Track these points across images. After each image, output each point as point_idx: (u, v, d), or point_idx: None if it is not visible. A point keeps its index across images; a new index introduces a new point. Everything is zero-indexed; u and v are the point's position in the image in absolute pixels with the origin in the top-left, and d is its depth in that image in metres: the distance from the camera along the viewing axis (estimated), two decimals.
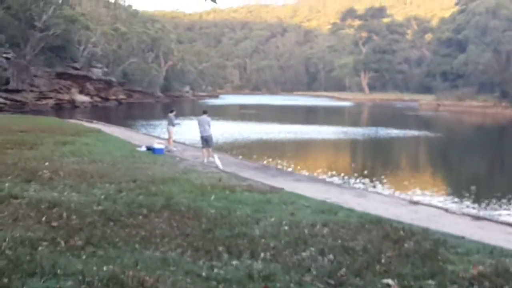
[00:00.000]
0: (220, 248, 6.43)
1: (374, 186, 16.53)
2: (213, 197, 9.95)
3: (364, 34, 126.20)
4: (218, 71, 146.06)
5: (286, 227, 7.67)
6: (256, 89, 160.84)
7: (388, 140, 37.37)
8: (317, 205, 9.88)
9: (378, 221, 8.33)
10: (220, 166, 16.20)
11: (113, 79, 73.64)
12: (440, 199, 15.38)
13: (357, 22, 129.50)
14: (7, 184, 9.99)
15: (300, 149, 31.70)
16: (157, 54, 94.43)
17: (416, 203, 11.64)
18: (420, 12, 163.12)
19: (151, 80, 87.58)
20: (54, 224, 7.22)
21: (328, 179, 16.36)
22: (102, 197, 9.43)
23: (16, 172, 11.51)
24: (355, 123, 57.21)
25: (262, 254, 6.20)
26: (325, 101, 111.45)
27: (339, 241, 6.96)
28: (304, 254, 6.28)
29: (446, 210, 10.84)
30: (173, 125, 20.72)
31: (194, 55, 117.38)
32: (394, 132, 41.36)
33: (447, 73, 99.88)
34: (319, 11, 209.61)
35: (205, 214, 8.32)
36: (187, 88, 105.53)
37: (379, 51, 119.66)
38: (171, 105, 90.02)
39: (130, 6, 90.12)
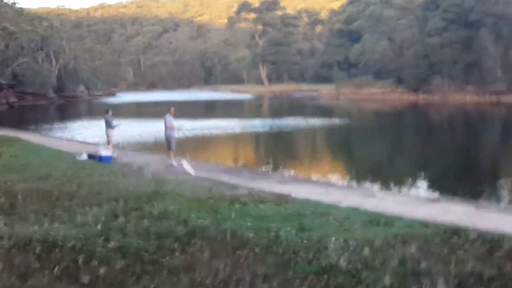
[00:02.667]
0: None
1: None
2: (232, 215, 8.26)
3: (260, 27, 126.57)
4: (112, 68, 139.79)
5: (367, 252, 6.22)
6: (152, 86, 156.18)
7: (306, 130, 37.13)
8: (355, 215, 8.55)
9: (454, 230, 7.14)
10: (192, 172, 14.17)
11: (3, 81, 67.37)
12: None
13: (252, 15, 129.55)
14: None
15: (217, 144, 30.41)
16: (48, 53, 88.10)
17: (436, 200, 10.65)
18: (308, 5, 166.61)
19: (43, 81, 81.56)
20: (84, 281, 5.23)
21: (314, 178, 15.00)
22: (99, 226, 7.43)
23: None
24: (263, 114, 57.01)
25: None
26: (225, 95, 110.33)
27: (453, 266, 5.63)
28: None
29: (477, 206, 9.94)
30: (112, 127, 18.36)
31: (86, 53, 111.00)
32: (303, 122, 41.15)
33: (342, 63, 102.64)
34: (210, 6, 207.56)
35: (251, 241, 6.67)
36: (81, 88, 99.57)
37: (275, 43, 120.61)
38: (65, 106, 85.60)
39: (14, 3, 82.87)
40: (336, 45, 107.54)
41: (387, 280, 5.25)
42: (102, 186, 11.17)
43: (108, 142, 18.21)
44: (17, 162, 14.71)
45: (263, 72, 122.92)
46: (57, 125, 44.83)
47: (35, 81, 78.91)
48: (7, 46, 70.72)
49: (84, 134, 35.74)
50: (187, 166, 14.53)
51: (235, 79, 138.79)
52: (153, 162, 16.33)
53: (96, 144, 20.66)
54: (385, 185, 14.70)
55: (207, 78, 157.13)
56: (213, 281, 5.25)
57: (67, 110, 73.42)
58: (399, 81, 78.13)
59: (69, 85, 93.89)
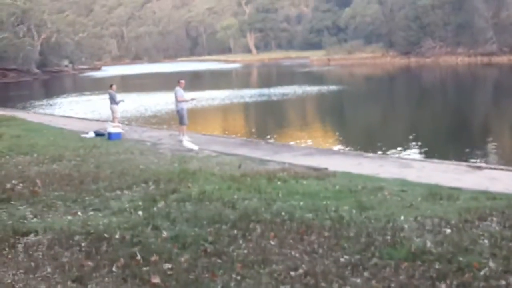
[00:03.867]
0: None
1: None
2: (279, 193, 7.62)
3: None
4: (96, 41, 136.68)
5: (449, 232, 5.64)
6: (137, 58, 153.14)
7: (305, 98, 36.44)
8: (409, 189, 7.95)
9: None
10: (195, 148, 13.49)
11: None
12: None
13: None
14: None
15: (218, 115, 29.70)
16: (29, 27, 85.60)
17: (478, 168, 10.10)
18: None
19: (26, 56, 79.53)
20: (155, 280, 4.58)
21: (338, 149, 14.32)
22: (140, 213, 6.78)
23: None
24: (255, 83, 55.94)
25: None
26: (212, 65, 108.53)
27: None
28: None
29: None
30: (117, 102, 17.51)
31: (69, 26, 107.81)
32: (298, 89, 40.38)
33: (331, 28, 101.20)
34: None
35: (313, 224, 6.05)
36: (66, 62, 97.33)
37: (262, 10, 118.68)
38: (50, 81, 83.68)
39: None
40: (324, 10, 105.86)
41: (491, 264, 4.68)
42: (123, 166, 10.44)
43: (113, 118, 17.39)
44: (22, 143, 13.87)
45: (251, 41, 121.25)
46: (46, 101, 43.67)
47: (18, 57, 76.89)
48: None
49: (76, 110, 34.80)
50: (187, 142, 13.82)
51: (222, 49, 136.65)
52: (164, 138, 15.57)
53: (97, 121, 19.84)
54: (412, 153, 14.13)
55: (193, 49, 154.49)
56: (297, 275, 4.64)
57: (53, 86, 71.78)
58: (390, 44, 77.34)
59: (53, 59, 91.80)
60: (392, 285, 4.40)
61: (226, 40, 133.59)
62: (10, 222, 6.53)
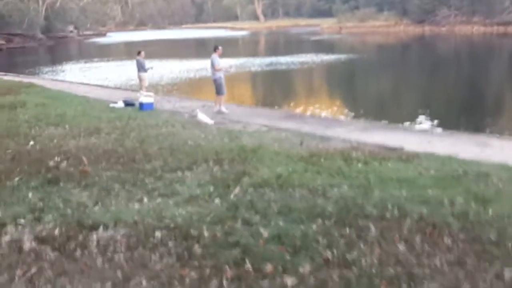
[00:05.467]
0: None
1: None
2: (370, 179, 6.60)
3: None
4: (101, 7, 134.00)
5: None
6: (141, 24, 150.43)
7: (326, 67, 35.10)
8: None
9: None
10: (210, 122, 12.26)
11: None
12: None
13: None
14: (32, 195, 5.98)
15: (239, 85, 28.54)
16: None
17: None
18: None
19: (31, 21, 77.56)
20: None
21: (394, 123, 13.13)
22: (218, 201, 5.79)
23: (18, 168, 7.30)
24: (270, 52, 54.34)
25: None
26: (219, 32, 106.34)
27: None
28: None
29: None
30: (145, 70, 16.37)
31: None
32: (316, 58, 38.97)
33: None
34: None
35: (442, 224, 5.05)
36: (71, 28, 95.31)
37: None
38: (56, 47, 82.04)
39: None
40: None
41: None
42: (169, 140, 9.43)
43: (141, 87, 16.29)
44: (49, 112, 12.84)
45: (259, 8, 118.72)
46: (54, 67, 42.39)
47: (23, 22, 75.07)
48: None
49: (88, 76, 33.64)
50: (201, 115, 12.57)
51: (228, 16, 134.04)
52: (198, 109, 14.44)
53: (119, 89, 18.73)
54: (474, 128, 13.04)
55: (199, 16, 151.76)
56: None
57: (59, 52, 70.31)
58: (404, 12, 75.38)
59: (58, 25, 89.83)
60: None
61: (233, 7, 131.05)
62: (70, 211, 5.55)
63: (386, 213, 5.33)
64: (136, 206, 5.76)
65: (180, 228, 4.97)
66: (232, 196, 6.04)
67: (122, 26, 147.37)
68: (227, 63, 15.63)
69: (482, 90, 23.77)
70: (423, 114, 15.27)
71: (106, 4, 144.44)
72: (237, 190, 6.24)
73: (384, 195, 5.93)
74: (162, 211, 5.50)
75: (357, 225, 5.01)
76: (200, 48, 66.87)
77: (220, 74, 14.24)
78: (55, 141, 9.51)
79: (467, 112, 17.49)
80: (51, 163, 7.62)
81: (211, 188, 6.33)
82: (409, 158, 7.82)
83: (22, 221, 5.24)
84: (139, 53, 16.42)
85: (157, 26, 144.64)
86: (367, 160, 7.63)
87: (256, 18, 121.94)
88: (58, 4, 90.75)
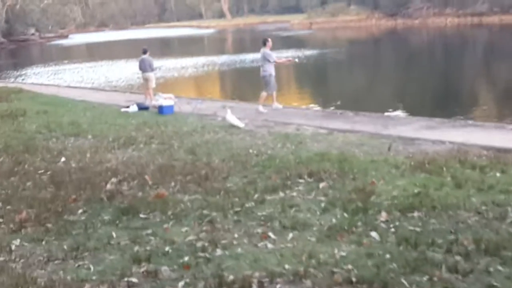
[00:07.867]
0: None
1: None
2: None
3: None
4: (61, 8, 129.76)
5: None
6: (102, 25, 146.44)
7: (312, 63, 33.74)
8: None
9: None
10: (240, 125, 10.65)
11: None
12: None
13: None
14: (116, 235, 4.44)
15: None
16: None
17: None
18: None
19: None
20: None
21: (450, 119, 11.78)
22: (376, 235, 4.34)
23: (69, 195, 5.69)
24: (242, 49, 52.84)
25: None
26: (185, 31, 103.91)
27: None
28: None
29: None
30: (153, 69, 14.70)
31: None
32: (297, 53, 37.60)
33: None
34: None
35: None
36: (32, 31, 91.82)
37: None
38: (19, 51, 78.60)
39: None
40: None
41: None
42: (224, 150, 7.96)
43: (148, 88, 14.60)
44: (58, 121, 11.11)
45: (225, 4, 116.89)
46: (24, 71, 39.99)
47: None
48: None
49: (64, 78, 31.62)
50: (230, 116, 10.84)
51: (192, 15, 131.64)
52: (220, 111, 12.73)
53: (115, 91, 16.96)
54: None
55: (162, 15, 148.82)
56: None
57: (23, 55, 67.15)
58: (375, 6, 74.88)
59: (19, 28, 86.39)
60: None
61: (197, 5, 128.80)
62: (190, 259, 4.00)
63: None
64: (269, 245, 4.26)
65: (369, 284, 3.50)
66: (383, 225, 4.60)
67: (83, 27, 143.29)
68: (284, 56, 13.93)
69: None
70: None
71: (66, 5, 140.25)
72: (383, 216, 4.79)
73: None
74: (312, 257, 4.01)
75: None
76: (165, 48, 64.51)
77: (271, 71, 12.55)
78: (88, 155, 7.90)
79: None
80: (109, 186, 6.02)
81: (343, 214, 4.90)
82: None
83: (133, 280, 3.68)
84: (145, 51, 14.70)
85: (119, 27, 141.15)
86: (495, 166, 6.28)
87: (220, 16, 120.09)
88: (18, 6, 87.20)
